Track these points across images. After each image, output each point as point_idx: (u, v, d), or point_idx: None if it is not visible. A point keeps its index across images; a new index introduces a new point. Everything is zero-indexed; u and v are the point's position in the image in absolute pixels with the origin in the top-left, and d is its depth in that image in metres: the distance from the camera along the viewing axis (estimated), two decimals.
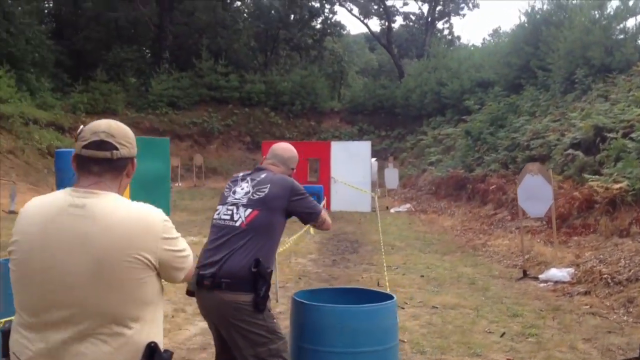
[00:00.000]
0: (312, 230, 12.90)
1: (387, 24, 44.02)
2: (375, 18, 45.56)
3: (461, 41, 50.10)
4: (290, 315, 3.89)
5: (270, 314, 3.53)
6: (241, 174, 3.87)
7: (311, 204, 3.78)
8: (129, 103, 34.33)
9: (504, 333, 6.53)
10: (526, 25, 25.74)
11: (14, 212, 17.13)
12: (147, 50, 41.19)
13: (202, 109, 35.20)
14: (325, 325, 3.65)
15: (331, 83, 47.10)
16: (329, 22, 49.18)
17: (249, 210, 3.58)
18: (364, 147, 20.83)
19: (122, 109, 33.46)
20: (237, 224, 3.56)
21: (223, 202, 3.75)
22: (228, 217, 3.62)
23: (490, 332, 6.63)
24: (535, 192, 9.25)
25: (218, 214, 3.71)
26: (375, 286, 8.86)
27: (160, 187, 17.20)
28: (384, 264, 10.59)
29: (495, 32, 54.71)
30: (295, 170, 4.02)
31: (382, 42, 45.13)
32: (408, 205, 21.08)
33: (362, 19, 45.66)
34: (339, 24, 51.08)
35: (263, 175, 3.75)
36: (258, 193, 3.64)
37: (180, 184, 29.33)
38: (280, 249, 11.85)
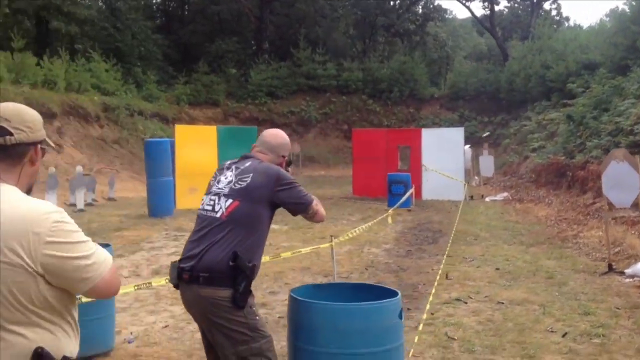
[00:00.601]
0: (390, 219, 12.66)
1: (490, 6, 42.41)
2: (478, 0, 43.99)
3: (570, 22, 47.60)
4: (287, 312, 3.67)
5: (252, 311, 3.32)
6: (228, 162, 3.67)
7: (299, 193, 3.53)
8: (229, 93, 35.08)
9: (566, 333, 6.02)
10: (633, 3, 23.96)
11: (113, 199, 17.90)
12: (248, 42, 41.85)
13: (299, 98, 35.41)
14: (318, 324, 3.43)
15: (436, 69, 46.15)
16: (430, 6, 48.16)
17: (230, 201, 3.39)
18: (456, 133, 20.14)
19: (223, 100, 34.25)
20: (218, 215, 3.38)
21: (207, 191, 3.58)
22: (210, 208, 3.45)
23: (552, 331, 6.14)
24: (621, 180, 8.51)
25: (202, 204, 3.55)
26: (444, 279, 8.49)
27: None
28: (461, 256, 10.19)
29: (613, 12, 51.53)
30: (286, 158, 3.77)
31: (486, 25, 43.59)
32: (505, 194, 20.22)
33: (464, 2, 44.25)
34: (441, 8, 49.94)
35: (247, 164, 3.54)
36: (240, 182, 3.43)
37: None
38: (355, 238, 11.70)
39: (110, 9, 35.01)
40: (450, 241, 11.74)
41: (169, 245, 10.95)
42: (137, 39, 34.65)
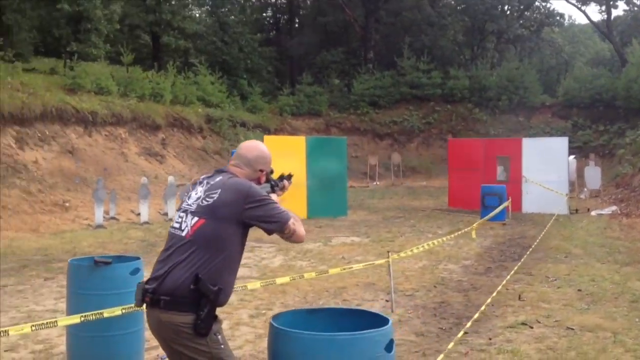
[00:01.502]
0: (473, 234, 12.07)
1: (607, 10, 40.09)
2: (593, 4, 41.67)
3: None
4: (267, 339, 3.42)
5: (216, 339, 3.08)
6: (203, 176, 3.44)
7: (273, 211, 3.20)
8: (331, 104, 35.17)
9: None
10: None
11: None
12: (353, 52, 41.87)
13: (402, 107, 34.91)
14: (292, 355, 3.15)
15: (554, 75, 44.17)
16: (545, 11, 46.19)
17: (195, 219, 3.16)
18: (560, 143, 19.01)
19: (325, 110, 34.37)
20: (183, 233, 3.16)
21: (178, 207, 3.40)
22: (177, 226, 3.23)
23: None
24: None
25: (173, 221, 3.34)
26: (516, 300, 7.92)
27: (337, 186, 17.24)
28: (544, 274, 9.52)
29: None
30: (264, 172, 3.48)
31: (603, 30, 41.24)
32: (614, 208, 18.87)
33: (579, 6, 42.07)
34: (558, 13, 47.77)
35: (218, 179, 3.29)
36: (207, 199, 3.19)
37: (377, 183, 29.39)
38: (434, 253, 11.22)
39: (219, 24, 36.08)
40: (537, 258, 11.04)
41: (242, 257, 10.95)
42: (244, 52, 35.51)
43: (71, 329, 5.20)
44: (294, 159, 16.70)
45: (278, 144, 17.62)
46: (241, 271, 9.69)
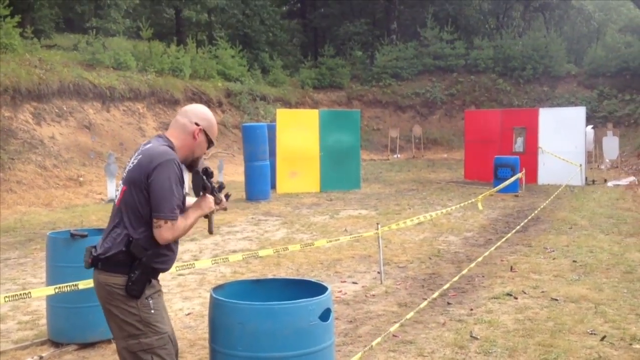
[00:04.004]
0: (480, 205, 12.03)
1: None
2: None
3: None
4: (208, 310, 3.51)
5: (147, 303, 3.14)
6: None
7: (165, 195, 3.06)
8: (354, 76, 34.95)
9: (604, 336, 5.38)
10: None
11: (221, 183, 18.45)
12: (376, 23, 41.41)
13: (425, 79, 34.52)
14: (227, 324, 3.24)
15: (585, 43, 43.16)
16: None
17: (122, 187, 3.22)
18: (577, 113, 18.69)
19: (347, 83, 34.19)
20: (116, 200, 3.25)
21: None
22: (116, 195, 3.29)
23: (593, 334, 5.52)
24: None
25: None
26: (508, 271, 7.93)
27: (350, 159, 17.23)
28: (543, 246, 9.47)
29: None
30: (200, 128, 3.27)
31: None
32: (632, 179, 18.59)
33: None
34: None
35: (147, 145, 3.26)
36: (130, 166, 3.22)
37: (398, 156, 29.27)
38: (437, 225, 11.21)
39: None
40: (541, 229, 10.97)
41: (246, 230, 11.09)
42: (266, 24, 35.38)
43: (50, 301, 5.37)
44: (307, 132, 16.76)
45: (291, 117, 17.66)
46: (241, 243, 9.86)
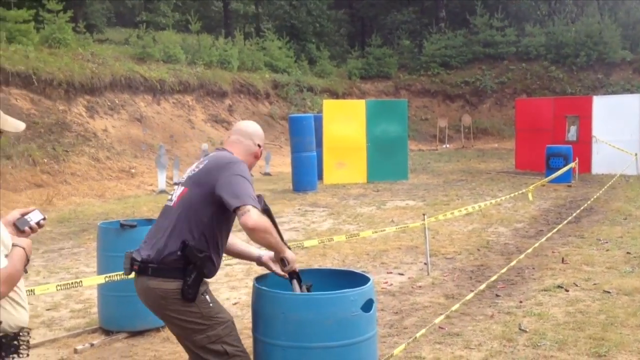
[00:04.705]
0: (530, 196, 11.80)
1: None
2: None
3: None
4: (251, 299, 3.53)
5: (204, 299, 3.19)
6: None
7: (239, 187, 3.11)
8: (401, 66, 34.66)
9: None
10: None
11: (268, 174, 18.60)
12: (424, 11, 40.93)
13: (475, 67, 33.97)
14: (269, 314, 3.25)
15: None
16: None
17: (182, 189, 3.29)
18: (632, 101, 18.13)
19: (395, 72, 33.93)
20: (171, 204, 3.30)
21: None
22: (170, 198, 3.38)
23: None
24: None
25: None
26: (559, 263, 7.76)
27: (398, 149, 17.09)
28: (596, 237, 9.24)
29: None
30: (261, 148, 3.52)
31: None
32: None
33: None
34: None
35: (212, 153, 3.43)
36: (194, 169, 3.32)
37: (447, 146, 28.95)
38: (487, 215, 11.03)
39: None
40: (595, 220, 10.70)
41: (293, 221, 11.14)
42: (313, 15, 35.38)
43: (101, 289, 5.49)
44: (354, 122, 16.71)
45: (338, 108, 17.62)
46: (288, 234, 9.91)
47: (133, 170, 16.06)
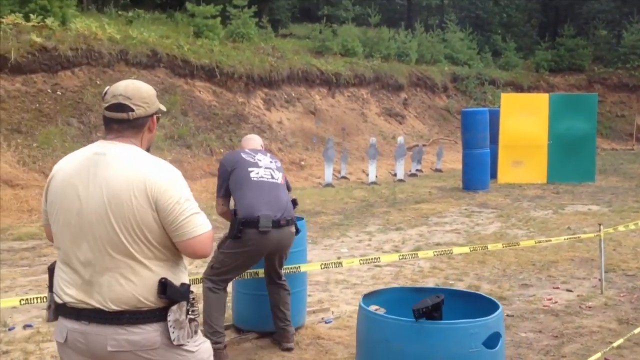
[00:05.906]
0: None
1: None
2: None
3: None
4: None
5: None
6: (249, 151, 4.95)
7: None
8: (596, 58, 31.92)
9: None
10: None
11: (439, 170, 17.90)
12: (624, 0, 37.49)
13: None
14: (371, 339, 2.80)
15: None
16: None
17: (280, 174, 4.85)
18: None
19: (589, 65, 31.36)
20: (278, 181, 4.76)
21: (254, 166, 4.73)
22: (269, 176, 4.71)
23: None
24: None
25: (257, 174, 4.66)
26: None
27: (584, 148, 15.61)
28: None
29: None
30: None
31: None
32: None
33: None
34: None
35: (269, 154, 5.10)
36: (276, 163, 4.97)
37: None
38: None
39: None
40: None
41: (456, 222, 10.47)
42: (500, 5, 33.82)
43: (236, 286, 5.35)
44: (535, 118, 15.52)
45: (517, 102, 16.52)
46: (447, 236, 9.31)
47: (303, 163, 16.21)
